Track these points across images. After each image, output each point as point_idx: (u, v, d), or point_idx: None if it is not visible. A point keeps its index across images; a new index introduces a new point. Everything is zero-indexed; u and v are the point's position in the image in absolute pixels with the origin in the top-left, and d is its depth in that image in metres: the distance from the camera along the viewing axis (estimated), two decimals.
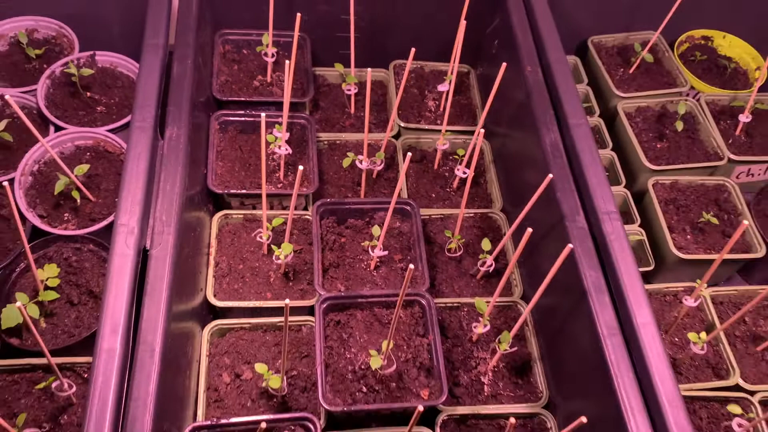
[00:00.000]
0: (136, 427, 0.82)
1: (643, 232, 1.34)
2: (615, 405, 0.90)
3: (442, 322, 1.16)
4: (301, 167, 0.94)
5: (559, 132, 1.18)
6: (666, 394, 0.89)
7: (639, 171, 1.42)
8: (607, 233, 1.04)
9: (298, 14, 1.14)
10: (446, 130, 1.33)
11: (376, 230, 1.14)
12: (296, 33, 1.15)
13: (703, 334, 1.09)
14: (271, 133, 1.24)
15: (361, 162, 1.24)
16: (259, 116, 1.23)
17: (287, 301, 0.80)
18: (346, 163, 1.26)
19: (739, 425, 1.03)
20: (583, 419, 0.77)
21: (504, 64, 1.11)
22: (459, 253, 1.25)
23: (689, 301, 1.10)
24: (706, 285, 1.09)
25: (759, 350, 1.19)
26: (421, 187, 1.35)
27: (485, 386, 1.10)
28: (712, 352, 1.17)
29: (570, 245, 0.89)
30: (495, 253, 1.17)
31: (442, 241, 1.27)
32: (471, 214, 1.30)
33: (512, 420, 0.85)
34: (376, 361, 0.98)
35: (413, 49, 1.13)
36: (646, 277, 1.32)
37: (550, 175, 0.97)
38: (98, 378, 0.84)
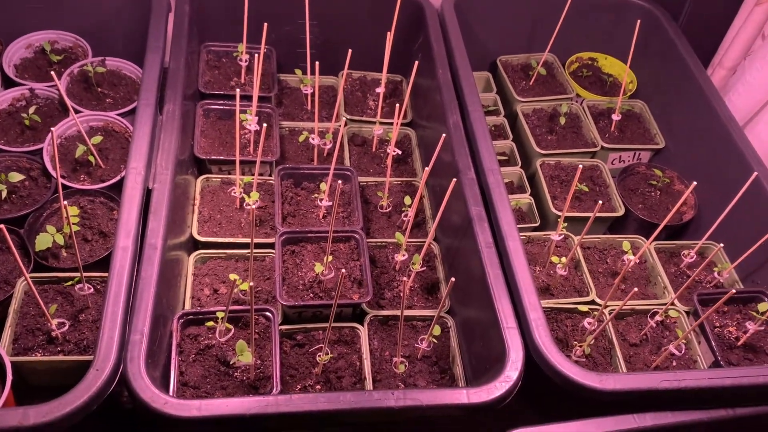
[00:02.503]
0: (144, 297, 1.16)
1: (532, 198, 1.73)
2: (488, 296, 1.27)
3: (373, 256, 1.52)
4: (263, 125, 1.31)
5: (462, 117, 1.58)
6: (523, 283, 1.26)
7: (532, 156, 1.82)
8: (489, 182, 1.43)
9: (265, 24, 1.53)
10: (381, 122, 1.72)
11: (323, 186, 1.51)
12: (263, 39, 1.53)
13: (563, 258, 1.47)
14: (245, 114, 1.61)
15: (313, 139, 1.62)
16: (234, 105, 1.61)
17: (246, 220, 1.16)
18: (301, 138, 1.63)
19: (589, 323, 1.39)
20: (453, 279, 1.14)
21: (416, 64, 1.51)
22: (388, 210, 1.62)
23: (554, 236, 1.48)
24: (565, 224, 1.47)
25: (615, 282, 1.57)
26: (362, 165, 1.73)
27: (404, 300, 1.45)
28: (578, 280, 1.54)
29: (455, 179, 1.27)
30: (414, 207, 1.53)
31: (376, 201, 1.64)
32: (399, 182, 1.68)
33: (452, 279, 1.18)
34: (319, 268, 1.33)
35: (350, 52, 1.51)
36: (533, 231, 1.69)
37: (444, 135, 1.35)
38: (115, 266, 1.18)
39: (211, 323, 1.25)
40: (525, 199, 1.73)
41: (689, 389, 1.16)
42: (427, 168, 1.31)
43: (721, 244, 1.52)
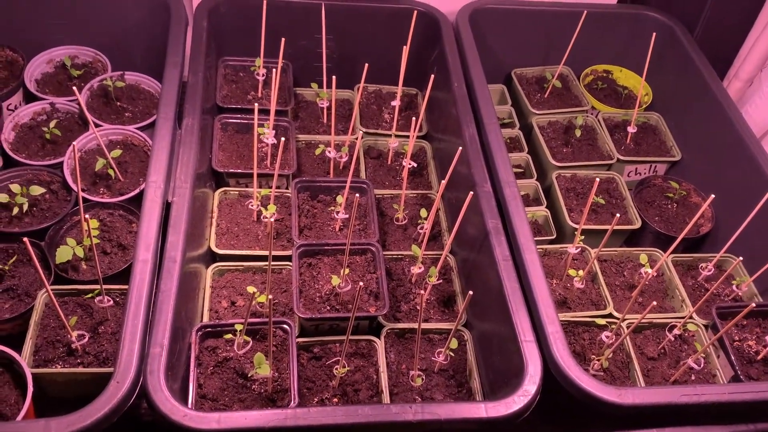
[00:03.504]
0: (163, 309, 1.17)
1: (548, 211, 1.73)
2: (505, 309, 1.26)
3: (389, 269, 1.52)
4: (282, 139, 1.32)
5: (477, 129, 1.58)
6: (540, 296, 1.26)
7: (548, 169, 1.82)
8: (506, 195, 1.43)
9: (283, 39, 1.55)
10: (397, 135, 1.73)
11: (339, 199, 1.51)
12: (281, 53, 1.55)
13: (581, 271, 1.46)
14: (262, 128, 1.63)
15: (329, 152, 1.63)
16: (252, 118, 1.62)
17: (265, 232, 1.17)
18: (318, 151, 1.64)
19: (606, 337, 1.39)
20: (470, 293, 1.14)
21: (432, 77, 1.52)
22: (404, 222, 1.62)
23: (571, 249, 1.48)
24: (582, 236, 1.47)
25: (633, 295, 1.56)
26: (378, 177, 1.74)
27: (420, 313, 1.45)
28: (595, 293, 1.54)
29: (471, 192, 1.28)
30: (430, 219, 1.54)
31: (392, 214, 1.64)
32: (414, 195, 1.68)
33: (470, 293, 1.18)
34: (335, 280, 1.34)
35: (366, 66, 1.52)
36: (549, 244, 1.69)
37: (460, 148, 1.36)
38: (135, 279, 1.19)
39: (229, 336, 1.26)
40: (541, 211, 1.73)
41: (709, 404, 1.16)
42: (443, 181, 1.31)
43: (740, 258, 1.51)
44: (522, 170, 1.86)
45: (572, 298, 1.52)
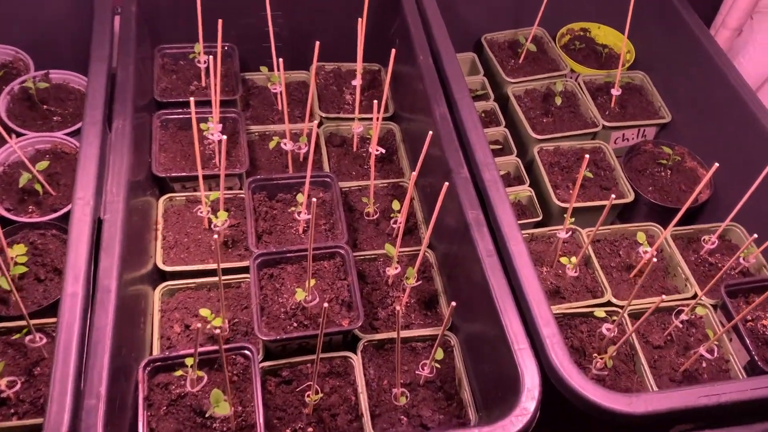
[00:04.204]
0: (99, 351, 1.00)
1: (532, 190, 1.58)
2: (494, 311, 1.11)
3: (362, 271, 1.37)
4: (224, 137, 1.15)
5: (448, 106, 1.41)
6: (531, 293, 1.11)
7: (528, 142, 1.66)
8: (485, 179, 1.27)
9: (220, 21, 1.35)
10: (361, 118, 1.56)
11: (300, 197, 1.34)
12: (219, 36, 1.36)
13: (573, 258, 1.32)
14: (206, 123, 1.44)
15: (285, 144, 1.45)
16: (197, 112, 1.44)
17: (214, 243, 1.00)
18: (272, 144, 1.47)
19: (608, 329, 1.24)
20: (453, 303, 0.99)
21: (393, 51, 1.35)
22: (375, 217, 1.46)
23: (561, 233, 1.33)
24: (572, 219, 1.32)
25: (631, 277, 1.42)
26: (343, 166, 1.57)
27: (400, 319, 1.30)
28: (590, 279, 1.39)
29: (446, 183, 1.11)
30: (404, 212, 1.38)
31: (361, 208, 1.48)
32: (385, 185, 1.52)
33: (453, 304, 1.03)
34: (300, 294, 1.17)
35: (317, 44, 1.34)
36: (536, 226, 1.54)
37: (430, 132, 1.19)
38: (64, 316, 1.02)
39: (180, 372, 1.10)
40: (524, 191, 1.58)
41: (730, 404, 1.02)
42: (413, 173, 1.15)
43: (755, 235, 1.36)
44: (500, 146, 1.70)
45: (565, 286, 1.37)
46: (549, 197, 1.53)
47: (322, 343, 1.00)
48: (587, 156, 1.18)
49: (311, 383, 1.12)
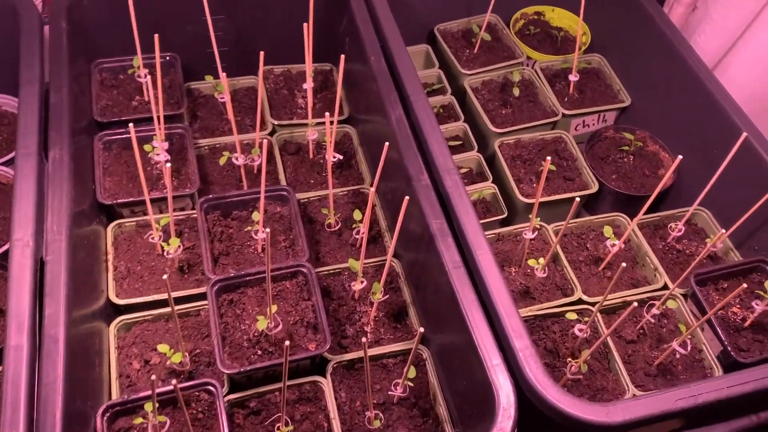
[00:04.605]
0: (49, 407, 0.94)
1: (495, 186, 1.54)
2: (464, 326, 1.08)
3: (327, 287, 1.32)
4: (168, 164, 1.08)
5: (404, 108, 1.36)
6: (502, 304, 1.08)
7: (489, 136, 1.62)
8: (447, 186, 1.23)
9: (156, 35, 1.27)
10: (315, 123, 1.50)
11: (255, 215, 1.28)
12: (157, 52, 1.28)
13: (541, 260, 1.29)
14: (150, 144, 1.37)
15: (236, 159, 1.39)
16: (143, 130, 1.36)
17: (165, 276, 0.94)
18: (222, 161, 1.40)
19: (580, 330, 1.22)
20: (421, 329, 0.95)
21: (342, 57, 1.29)
22: (337, 227, 1.41)
23: (528, 234, 1.29)
24: (538, 219, 1.29)
25: (600, 270, 1.40)
26: (300, 175, 1.51)
27: (369, 334, 1.26)
28: (560, 276, 1.37)
29: (407, 197, 1.07)
30: (366, 221, 1.33)
31: (322, 219, 1.42)
32: (345, 192, 1.46)
33: (421, 329, 0.99)
34: (262, 323, 1.12)
35: (261, 54, 1.27)
36: (501, 224, 1.51)
37: (387, 143, 1.14)
38: (9, 370, 0.95)
39: (139, 420, 1.04)
40: (488, 188, 1.54)
41: (707, 404, 1.01)
42: (372, 186, 1.10)
43: (724, 233, 1.35)
44: (461, 142, 1.65)
45: (535, 286, 1.35)
46: (513, 193, 1.49)
47: (288, 370, 0.96)
48: (548, 158, 1.14)
49: (280, 414, 1.07)
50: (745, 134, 1.23)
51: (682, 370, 1.26)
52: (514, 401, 0.99)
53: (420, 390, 1.21)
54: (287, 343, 0.89)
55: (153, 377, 0.86)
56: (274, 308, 1.13)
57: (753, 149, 1.36)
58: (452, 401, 1.17)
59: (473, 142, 1.62)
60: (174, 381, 0.87)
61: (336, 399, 1.17)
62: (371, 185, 1.48)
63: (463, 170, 1.58)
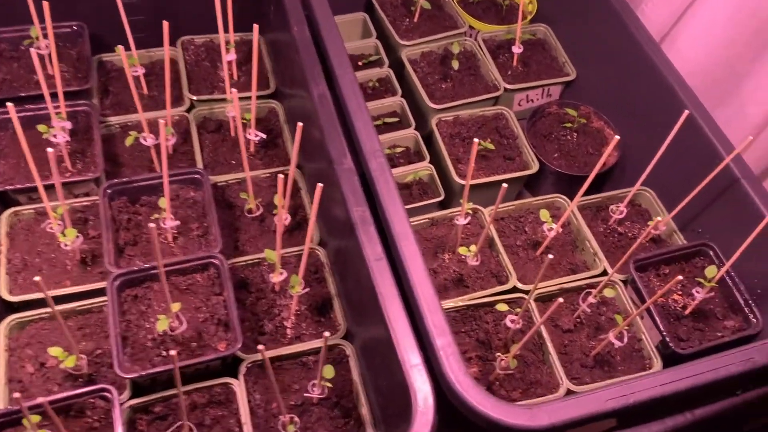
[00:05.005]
0: None
1: (432, 167, 1.45)
2: (381, 317, 1.00)
3: (245, 279, 1.22)
4: (50, 150, 0.96)
5: (330, 83, 1.26)
6: (425, 299, 0.99)
7: (427, 113, 1.52)
8: (372, 170, 1.13)
9: (45, 2, 1.14)
10: (242, 97, 1.37)
11: (162, 202, 1.18)
12: (48, 19, 1.15)
13: (472, 247, 1.21)
14: (50, 124, 1.24)
15: (145, 139, 1.27)
16: (38, 108, 1.24)
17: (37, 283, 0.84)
18: (129, 141, 1.28)
19: (512, 321, 1.15)
20: (326, 333, 0.86)
21: (256, 26, 1.17)
22: (259, 213, 1.31)
23: (460, 220, 1.21)
24: (470, 202, 1.21)
25: (538, 255, 1.33)
26: (220, 156, 1.40)
27: (288, 330, 1.17)
28: (495, 262, 1.30)
29: (320, 185, 0.97)
30: (283, 206, 1.23)
31: (242, 204, 1.32)
32: (267, 175, 1.36)
33: (326, 334, 0.91)
34: (163, 324, 1.03)
35: (166, 24, 1.15)
36: (440, 207, 1.42)
37: (300, 124, 1.04)
38: None
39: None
40: (425, 169, 1.45)
41: (640, 403, 0.95)
42: (285, 176, 1.00)
43: (658, 219, 1.29)
44: (398, 119, 1.55)
45: (469, 273, 1.27)
46: (450, 174, 1.41)
47: (195, 371, 0.87)
48: (476, 140, 1.05)
49: (183, 422, 0.99)
50: (686, 112, 1.16)
51: (621, 360, 1.21)
52: (433, 404, 0.91)
53: (343, 388, 1.13)
54: (173, 352, 0.79)
55: (16, 395, 0.76)
56: (177, 306, 1.04)
57: (697, 126, 1.29)
58: (375, 401, 1.10)
59: (410, 119, 1.52)
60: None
61: (250, 401, 1.08)
62: (298, 166, 1.38)
63: (399, 149, 1.48)
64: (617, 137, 1.10)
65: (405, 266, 1.03)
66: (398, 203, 1.10)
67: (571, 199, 1.35)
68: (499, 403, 0.92)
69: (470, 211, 1.34)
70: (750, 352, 1.00)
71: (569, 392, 1.13)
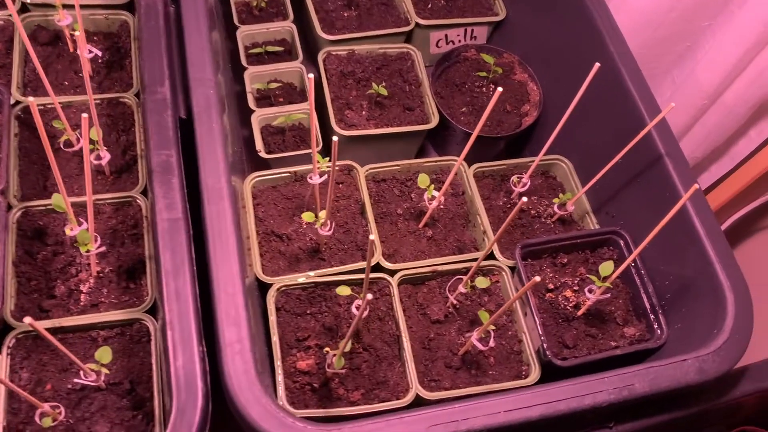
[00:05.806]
0: None
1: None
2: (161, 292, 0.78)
3: (43, 227, 0.99)
4: None
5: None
6: (223, 275, 0.77)
7: (320, 44, 1.27)
8: (194, 104, 0.89)
9: None
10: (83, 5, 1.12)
11: None
12: None
13: (322, 213, 0.98)
14: None
15: None
16: None
17: None
18: None
19: (357, 307, 0.93)
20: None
21: None
22: (79, 147, 1.07)
23: (314, 178, 0.98)
24: (347, 159, 0.98)
25: (420, 227, 1.11)
26: (51, 74, 1.14)
27: (83, 295, 0.95)
28: (362, 233, 1.07)
29: (85, 115, 0.73)
30: (100, 138, 0.99)
31: (61, 135, 1.08)
32: (99, 101, 1.11)
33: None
34: None
35: None
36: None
37: (88, 47, 0.79)
38: None
39: None
40: (303, 111, 1.20)
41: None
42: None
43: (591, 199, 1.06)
44: (284, 48, 1.30)
45: (329, 243, 1.05)
46: (329, 121, 1.16)
47: None
48: (309, 78, 0.81)
49: None
50: (597, 65, 0.92)
51: (494, 363, 1.00)
52: (199, 416, 0.70)
53: (140, 371, 0.92)
54: None
55: None
56: None
57: (623, 87, 1.05)
58: (167, 393, 0.88)
59: (299, 51, 1.27)
60: None
61: (13, 381, 0.86)
62: (135, 94, 1.13)
63: (276, 84, 1.23)
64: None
65: (207, 232, 0.81)
66: (218, 149, 0.86)
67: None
68: (287, 422, 0.71)
69: (344, 169, 1.11)
70: (629, 378, 0.79)
71: (417, 399, 0.92)
